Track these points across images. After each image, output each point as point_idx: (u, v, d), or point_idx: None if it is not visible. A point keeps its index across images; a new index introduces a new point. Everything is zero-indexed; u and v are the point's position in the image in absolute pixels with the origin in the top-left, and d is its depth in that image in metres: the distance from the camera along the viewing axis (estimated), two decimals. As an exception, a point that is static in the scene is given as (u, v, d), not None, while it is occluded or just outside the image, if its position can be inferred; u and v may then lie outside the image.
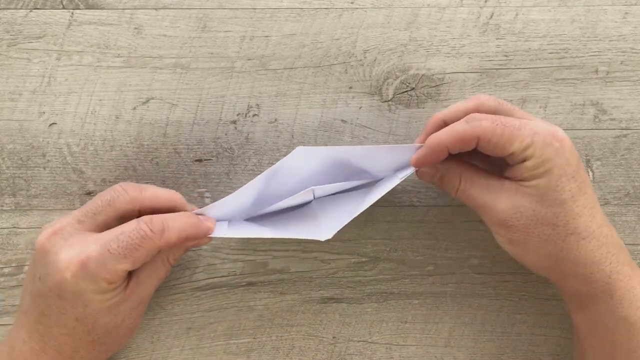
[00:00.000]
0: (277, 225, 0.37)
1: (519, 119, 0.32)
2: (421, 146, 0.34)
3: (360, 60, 0.40)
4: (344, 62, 0.40)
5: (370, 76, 0.40)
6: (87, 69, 0.40)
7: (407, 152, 0.35)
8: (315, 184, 0.36)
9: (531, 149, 0.31)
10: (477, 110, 0.34)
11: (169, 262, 0.35)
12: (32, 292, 0.33)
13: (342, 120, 0.40)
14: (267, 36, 0.40)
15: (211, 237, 0.35)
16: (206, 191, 0.40)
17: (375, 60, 0.40)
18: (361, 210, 0.35)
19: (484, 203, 0.33)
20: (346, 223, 0.34)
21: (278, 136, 0.40)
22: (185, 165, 0.40)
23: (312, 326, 0.39)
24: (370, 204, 0.34)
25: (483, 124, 0.32)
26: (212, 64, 0.40)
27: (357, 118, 0.40)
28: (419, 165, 0.34)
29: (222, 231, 0.35)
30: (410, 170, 0.35)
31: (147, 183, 0.40)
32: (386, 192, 0.35)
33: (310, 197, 0.36)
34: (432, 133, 0.34)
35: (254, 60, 0.40)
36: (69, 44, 0.40)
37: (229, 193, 0.39)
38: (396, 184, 0.35)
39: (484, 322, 0.40)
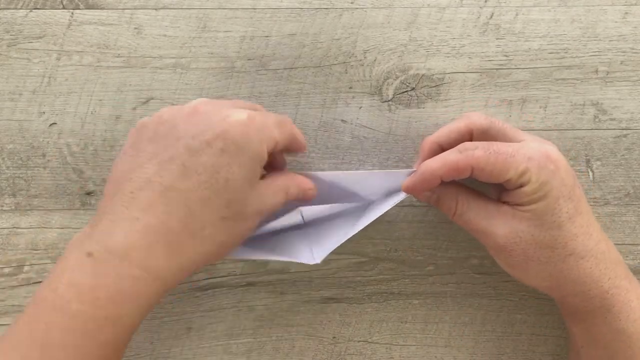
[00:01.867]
0: (267, 248, 0.36)
1: (512, 145, 0.32)
2: (414, 171, 0.34)
3: (360, 60, 0.40)
4: (344, 62, 0.40)
5: (370, 76, 0.40)
6: (87, 69, 0.40)
7: (400, 177, 0.34)
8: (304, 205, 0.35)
9: (527, 175, 0.31)
10: (469, 129, 0.34)
11: (285, 194, 0.32)
12: (166, 154, 0.29)
13: (342, 120, 0.40)
14: (267, 36, 0.40)
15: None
16: (206, 191, 0.40)
17: (375, 60, 0.40)
18: (350, 236, 0.34)
19: (481, 228, 0.33)
20: (334, 248, 0.34)
21: (278, 136, 0.40)
22: (185, 165, 0.40)
23: (312, 326, 0.39)
24: (360, 229, 0.34)
25: (476, 153, 0.31)
26: (212, 64, 0.40)
27: (357, 118, 0.40)
28: (410, 191, 0.34)
29: None
30: (402, 196, 0.35)
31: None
32: (378, 215, 0.35)
33: (299, 219, 0.36)
34: (428, 158, 0.33)
35: (254, 60, 0.40)
36: (69, 44, 0.40)
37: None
38: (388, 208, 0.35)
39: (484, 322, 0.40)
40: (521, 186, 0.31)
